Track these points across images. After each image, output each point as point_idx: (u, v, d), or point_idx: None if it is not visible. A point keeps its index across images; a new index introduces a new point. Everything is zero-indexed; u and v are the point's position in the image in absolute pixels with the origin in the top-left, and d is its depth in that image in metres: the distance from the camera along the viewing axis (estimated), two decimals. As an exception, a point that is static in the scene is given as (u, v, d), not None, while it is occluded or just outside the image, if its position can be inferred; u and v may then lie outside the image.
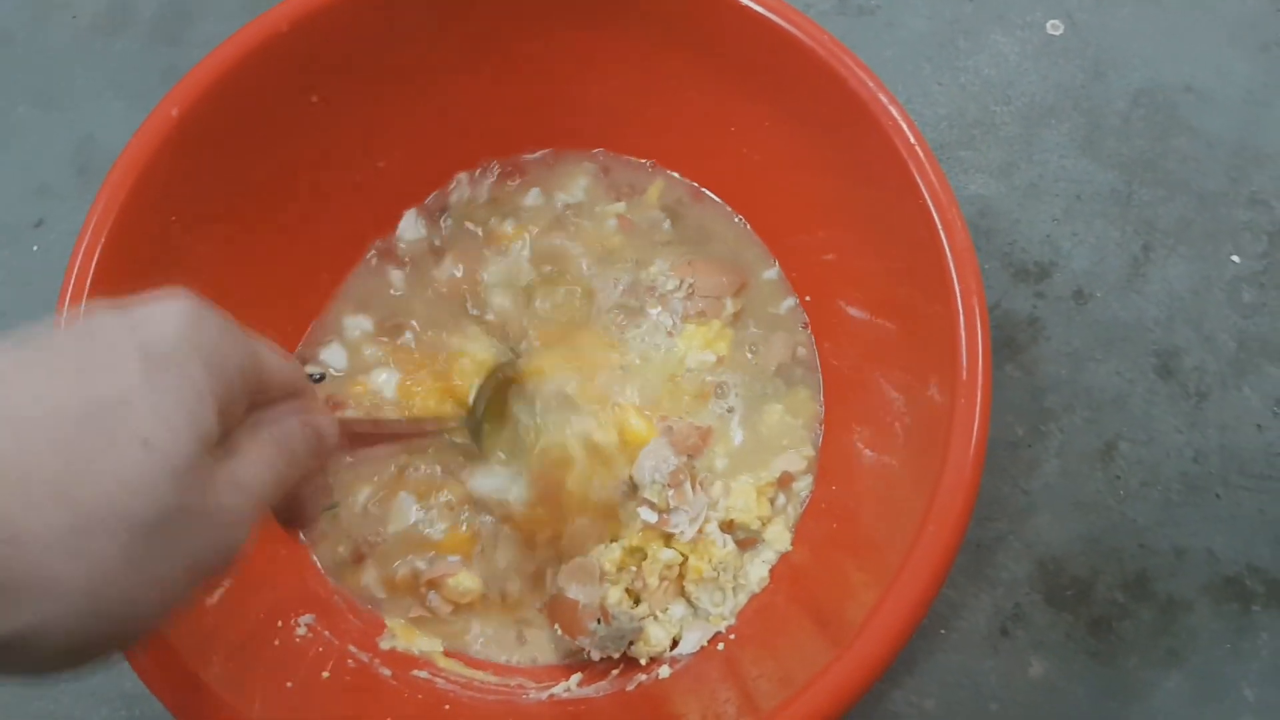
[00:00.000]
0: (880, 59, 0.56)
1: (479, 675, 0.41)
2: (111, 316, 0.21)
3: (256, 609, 0.37)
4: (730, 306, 0.46)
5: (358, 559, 0.42)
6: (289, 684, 0.35)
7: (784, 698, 0.30)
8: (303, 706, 0.34)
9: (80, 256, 0.34)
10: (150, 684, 0.30)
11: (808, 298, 0.46)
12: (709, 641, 0.41)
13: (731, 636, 0.40)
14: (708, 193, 0.49)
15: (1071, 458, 0.46)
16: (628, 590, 0.41)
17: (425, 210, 0.48)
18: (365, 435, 0.32)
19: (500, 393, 0.42)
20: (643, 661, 0.40)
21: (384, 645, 0.41)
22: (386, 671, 0.39)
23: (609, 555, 0.41)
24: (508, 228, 0.48)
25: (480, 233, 0.48)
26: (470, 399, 0.41)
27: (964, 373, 0.33)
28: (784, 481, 0.43)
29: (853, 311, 0.43)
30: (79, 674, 0.21)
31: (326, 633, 0.39)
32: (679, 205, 0.49)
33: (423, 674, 0.40)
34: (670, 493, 0.41)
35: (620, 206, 0.48)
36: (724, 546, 0.41)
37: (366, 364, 0.46)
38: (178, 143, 0.37)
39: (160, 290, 0.23)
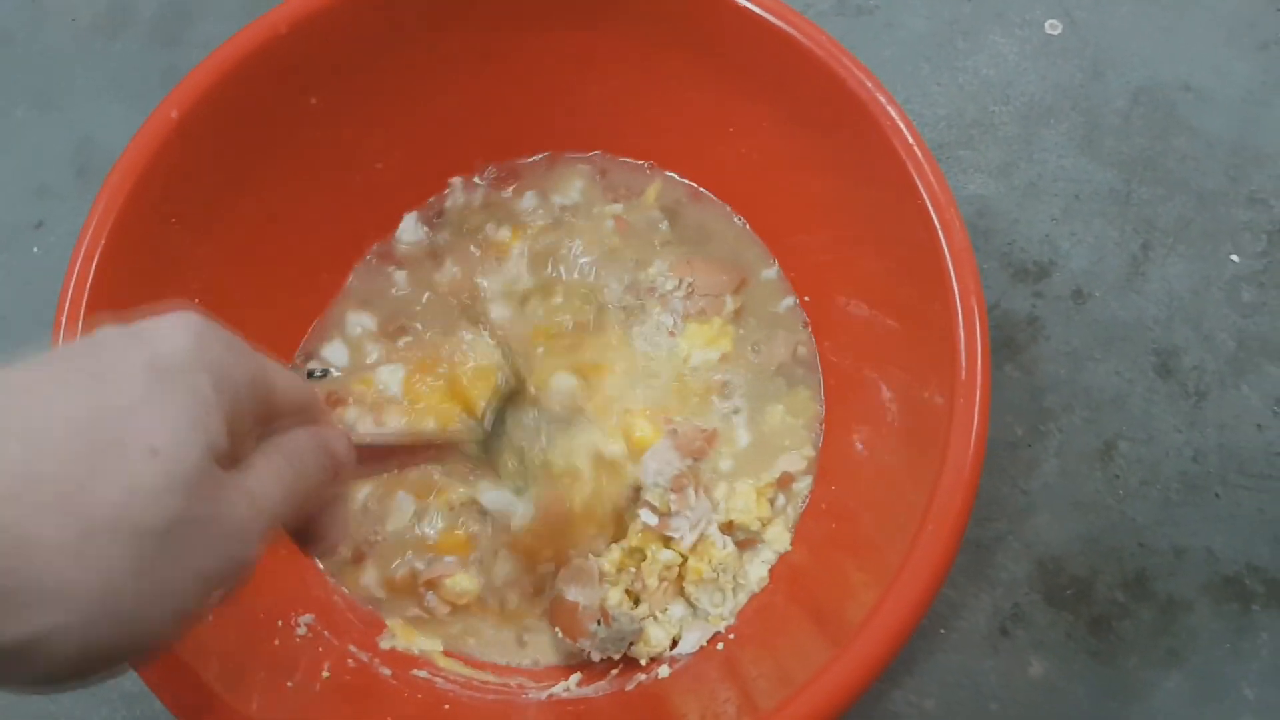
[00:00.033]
0: (879, 59, 0.56)
1: (479, 675, 0.41)
2: (118, 332, 0.22)
3: (257, 608, 0.37)
4: (730, 304, 0.46)
5: (358, 559, 0.42)
6: (289, 683, 0.35)
7: (783, 697, 0.30)
8: (302, 706, 0.35)
9: (80, 258, 0.35)
10: (150, 683, 0.30)
11: (807, 298, 0.46)
12: (708, 641, 0.41)
13: (731, 636, 0.40)
14: (707, 193, 0.49)
15: (1071, 457, 0.46)
16: (627, 591, 0.41)
17: (424, 214, 0.49)
18: (379, 455, 0.32)
19: (511, 408, 0.42)
20: (643, 662, 0.40)
21: (384, 645, 0.41)
22: (386, 671, 0.39)
23: (609, 557, 0.41)
24: (504, 235, 0.48)
25: (477, 238, 0.48)
26: (483, 417, 0.41)
27: (963, 372, 0.33)
28: (784, 482, 0.43)
29: (852, 311, 0.43)
30: (88, 684, 0.21)
31: (326, 632, 0.39)
32: (677, 205, 0.49)
33: (422, 673, 0.40)
34: (672, 497, 0.41)
35: (618, 208, 0.48)
36: (724, 548, 0.41)
37: (370, 361, 0.46)
38: (177, 144, 0.37)
39: (167, 307, 0.23)
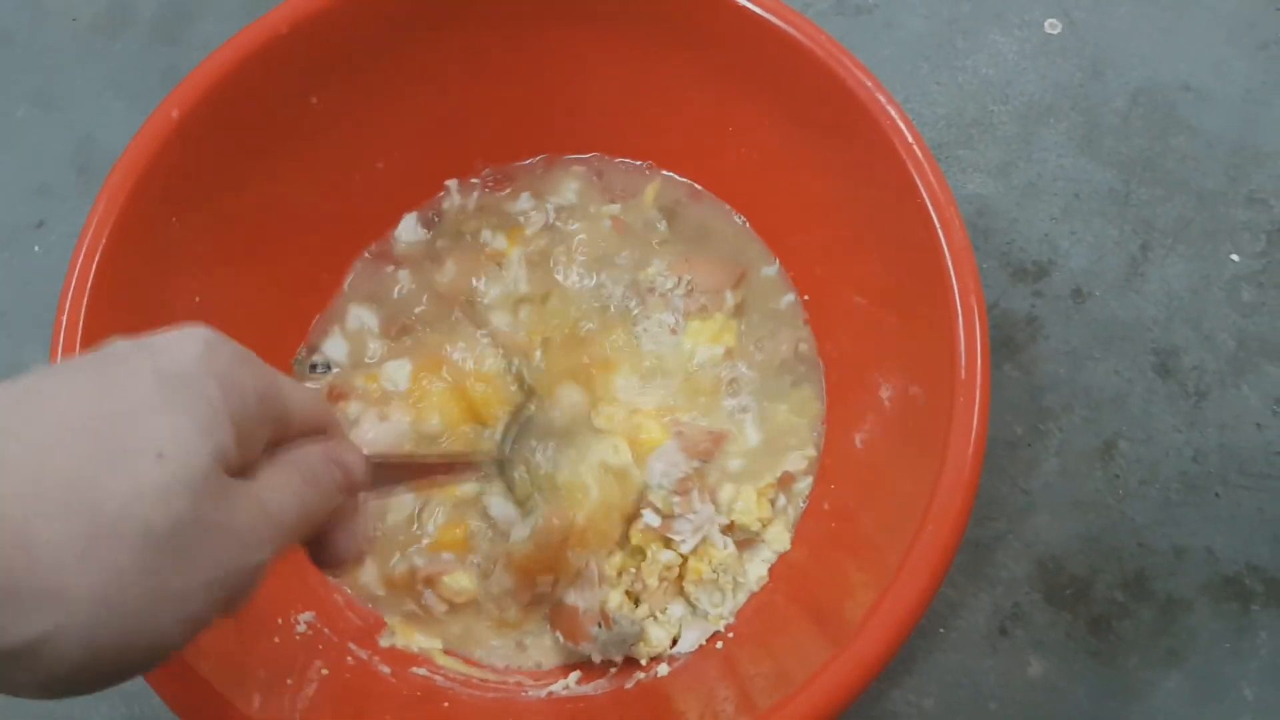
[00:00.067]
0: (878, 59, 0.56)
1: (478, 673, 0.41)
2: (128, 344, 0.22)
3: (256, 606, 0.36)
4: (731, 298, 0.46)
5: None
6: (288, 680, 0.35)
7: (782, 696, 0.30)
8: (302, 703, 0.34)
9: (81, 257, 0.35)
10: (150, 680, 0.30)
11: (807, 296, 0.46)
12: (707, 640, 0.41)
13: (730, 635, 0.41)
14: (706, 192, 0.49)
15: (1070, 457, 0.46)
16: (627, 592, 0.41)
17: (423, 215, 0.49)
18: (394, 472, 0.32)
19: (523, 428, 0.42)
20: (642, 661, 0.40)
21: (383, 643, 0.41)
22: (386, 669, 0.39)
23: (610, 561, 0.41)
24: (501, 242, 0.48)
25: (474, 243, 0.48)
26: (499, 436, 0.41)
27: (963, 372, 0.33)
28: (784, 482, 0.43)
29: (852, 310, 0.43)
30: (95, 690, 0.20)
31: (326, 630, 0.39)
32: (676, 205, 0.49)
33: (422, 671, 0.40)
34: (676, 499, 0.41)
35: (615, 208, 0.48)
36: (724, 548, 0.41)
37: (375, 356, 0.46)
38: (178, 143, 0.37)
39: (178, 324, 0.23)
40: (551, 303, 0.46)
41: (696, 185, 0.49)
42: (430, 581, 0.41)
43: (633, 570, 0.41)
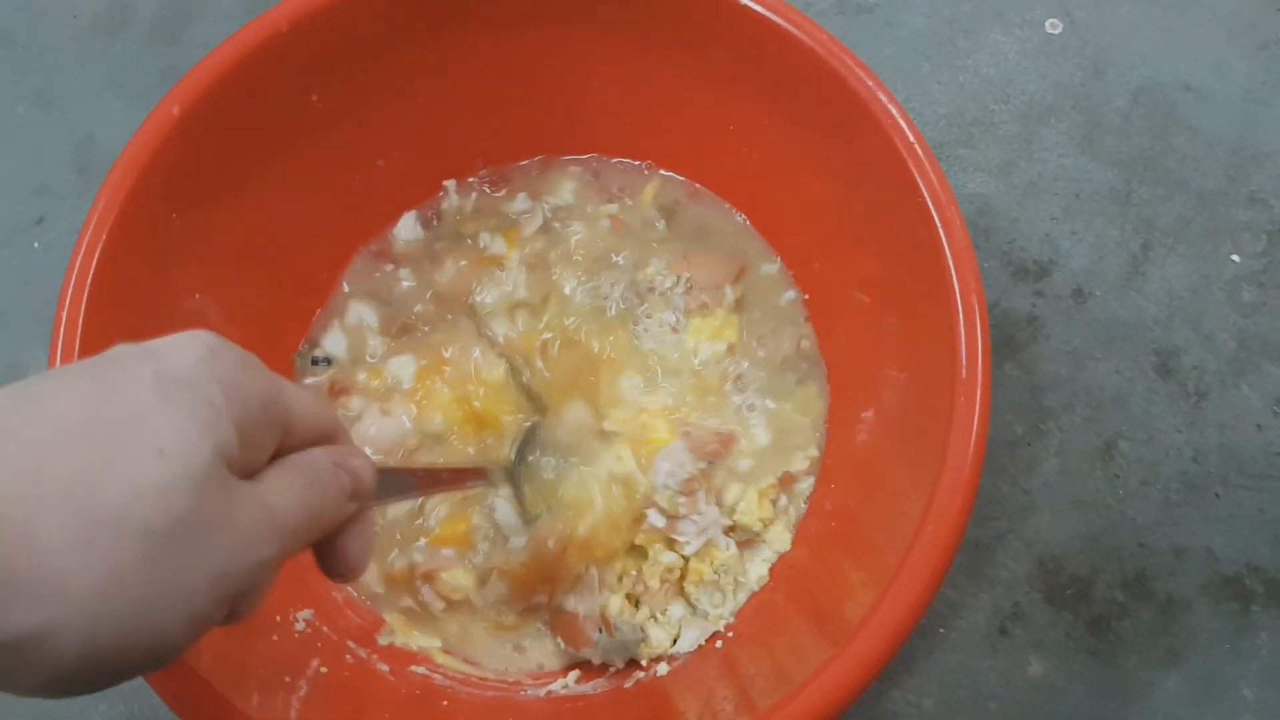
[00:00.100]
0: (879, 58, 0.56)
1: (477, 672, 0.41)
2: (129, 349, 0.22)
3: (255, 605, 0.37)
4: (731, 293, 0.46)
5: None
6: (287, 679, 0.35)
7: (782, 696, 0.30)
8: (300, 701, 0.34)
9: (81, 253, 0.35)
10: (149, 678, 0.30)
11: (808, 295, 0.46)
12: (707, 640, 0.41)
13: (730, 635, 0.40)
14: (706, 191, 0.49)
15: (1071, 457, 0.46)
16: (627, 595, 0.41)
17: (422, 214, 0.49)
18: (403, 481, 0.31)
19: (532, 440, 0.42)
20: (643, 662, 0.40)
21: (382, 641, 0.41)
22: (384, 667, 0.39)
23: (612, 566, 0.41)
24: (500, 245, 0.47)
25: (473, 246, 0.47)
26: (509, 453, 0.41)
27: (963, 371, 0.33)
28: (786, 482, 0.43)
29: (853, 309, 0.43)
30: (99, 689, 0.20)
31: (325, 628, 0.39)
32: (675, 205, 0.48)
33: (420, 670, 0.40)
34: (682, 500, 0.41)
35: (612, 208, 0.48)
36: (726, 549, 0.41)
37: (375, 353, 0.46)
38: (179, 141, 0.37)
39: (180, 330, 0.23)
40: (550, 307, 0.46)
41: (697, 185, 0.49)
42: (429, 577, 0.41)
43: (633, 572, 0.41)
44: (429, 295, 0.47)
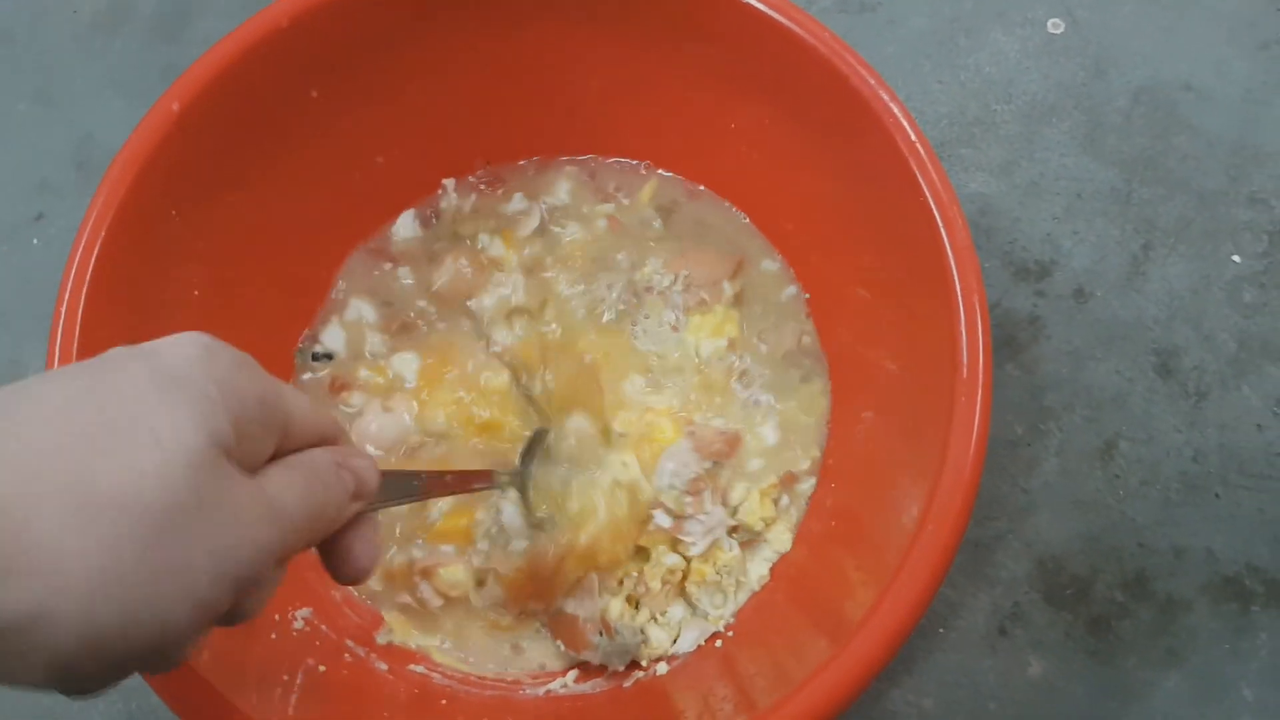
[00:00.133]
0: (881, 56, 0.56)
1: (475, 671, 0.41)
2: (125, 350, 0.22)
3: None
4: (729, 289, 0.46)
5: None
6: (285, 677, 0.35)
7: (781, 695, 0.30)
8: (299, 700, 0.34)
9: (80, 249, 0.34)
10: (148, 677, 0.30)
11: (809, 294, 0.46)
12: (706, 640, 0.40)
13: (729, 634, 0.40)
14: (706, 190, 0.49)
15: (1071, 457, 0.46)
16: (627, 597, 0.41)
17: (421, 212, 0.48)
18: (407, 486, 0.31)
19: (539, 445, 0.42)
20: (643, 662, 0.40)
21: (381, 640, 0.41)
22: (383, 666, 0.39)
23: (614, 571, 0.41)
24: (498, 248, 0.47)
25: (471, 248, 0.47)
26: (517, 462, 0.41)
27: (964, 371, 0.33)
28: (787, 482, 0.43)
29: (854, 308, 0.43)
30: (106, 680, 0.20)
31: (324, 627, 0.39)
32: (673, 204, 0.48)
33: (419, 669, 0.40)
34: (688, 499, 0.41)
35: (609, 208, 0.48)
36: (730, 550, 0.41)
37: (375, 350, 0.46)
38: (179, 137, 0.37)
39: (176, 331, 0.23)
40: (549, 312, 0.46)
41: (698, 185, 0.49)
42: (427, 574, 0.41)
43: (634, 574, 0.41)
44: (428, 295, 0.47)
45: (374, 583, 0.42)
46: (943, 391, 0.33)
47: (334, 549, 0.26)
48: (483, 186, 0.49)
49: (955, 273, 0.34)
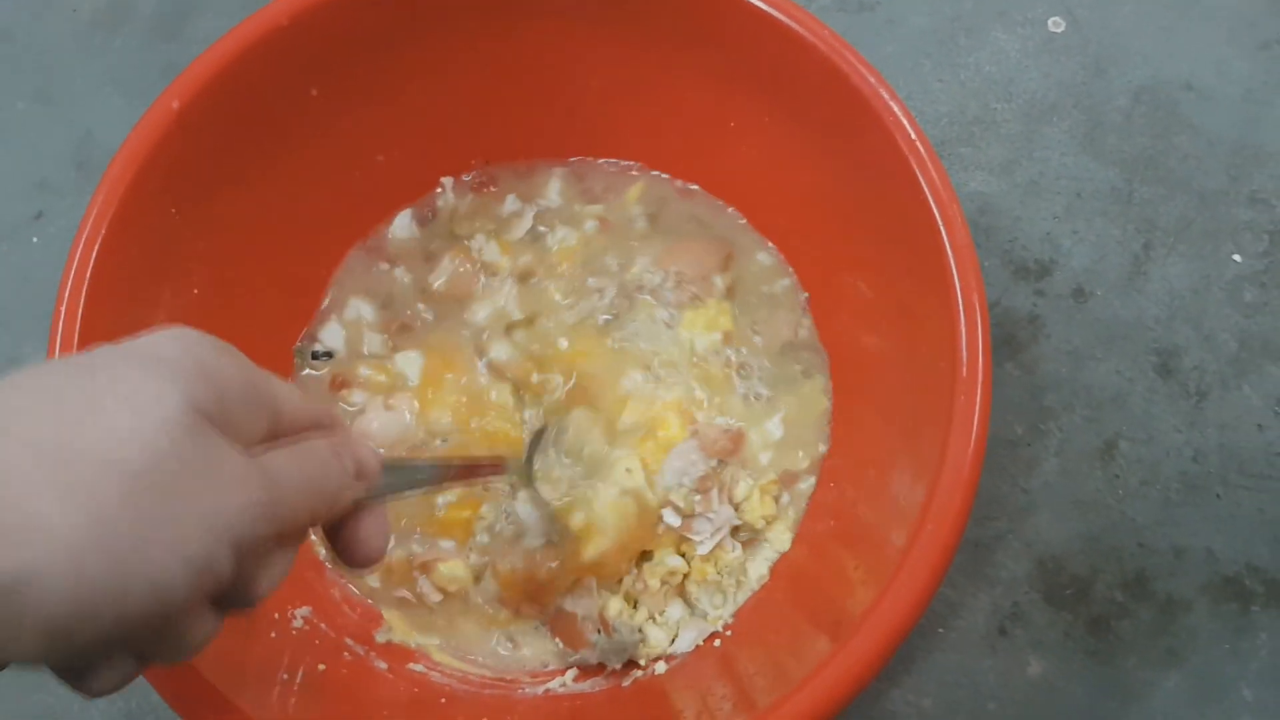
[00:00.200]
0: (881, 55, 0.56)
1: (475, 670, 0.41)
2: (108, 346, 0.22)
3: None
4: (720, 282, 0.46)
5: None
6: (284, 676, 0.35)
7: (780, 695, 0.30)
8: (298, 699, 0.34)
9: (80, 247, 0.34)
10: (147, 675, 0.30)
11: (809, 294, 0.46)
12: (705, 639, 0.40)
13: (728, 634, 0.40)
14: (698, 189, 0.48)
15: (1071, 456, 0.46)
16: (625, 595, 0.41)
17: (418, 212, 0.48)
18: (415, 476, 0.31)
19: (541, 442, 0.42)
20: (641, 661, 0.40)
21: (380, 638, 0.41)
22: (382, 665, 0.39)
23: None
24: (493, 251, 0.47)
25: (467, 249, 0.47)
26: (523, 458, 0.41)
27: (963, 370, 0.33)
28: (787, 480, 0.43)
29: (853, 308, 0.43)
30: (107, 652, 0.20)
31: (323, 625, 0.39)
32: (660, 204, 0.48)
33: (418, 667, 0.40)
34: (697, 498, 0.41)
35: (598, 209, 0.48)
36: (732, 550, 0.41)
37: (375, 349, 0.46)
38: (178, 135, 0.37)
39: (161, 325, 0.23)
40: (543, 321, 0.46)
41: (692, 185, 0.49)
42: (426, 569, 0.41)
43: (634, 571, 0.41)
44: (425, 296, 0.47)
45: (372, 578, 0.42)
46: (942, 391, 0.33)
47: (343, 535, 0.26)
48: (478, 186, 0.49)
49: (955, 272, 0.34)
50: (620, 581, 0.41)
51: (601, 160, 0.49)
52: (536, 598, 0.40)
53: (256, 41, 0.38)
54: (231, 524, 0.21)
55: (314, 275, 0.47)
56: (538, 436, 0.41)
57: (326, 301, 0.47)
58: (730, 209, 0.48)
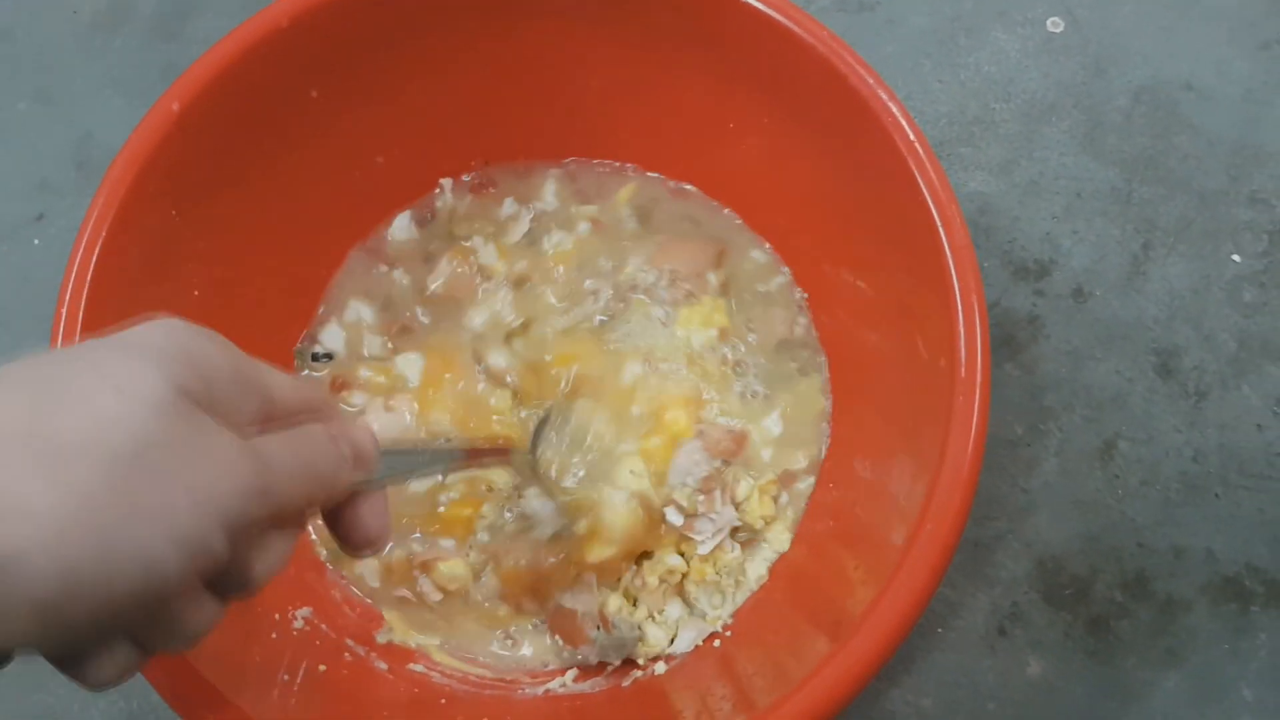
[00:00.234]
0: (880, 56, 0.56)
1: (475, 670, 0.41)
2: (92, 339, 0.22)
3: (253, 602, 0.36)
4: (714, 279, 0.46)
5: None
6: (285, 676, 0.35)
7: (780, 695, 0.30)
8: (298, 699, 0.34)
9: (81, 249, 0.35)
10: (147, 675, 0.30)
11: (807, 294, 0.46)
12: (705, 640, 0.41)
13: (728, 634, 0.40)
14: (692, 189, 0.48)
15: (1070, 456, 0.46)
16: (625, 591, 0.41)
17: (417, 213, 0.48)
18: (416, 460, 0.31)
19: (545, 431, 0.42)
20: (640, 661, 0.40)
21: (381, 639, 0.41)
22: (383, 665, 0.39)
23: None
24: (491, 253, 0.47)
25: (465, 251, 0.47)
26: (528, 447, 0.41)
27: (962, 370, 0.33)
28: (786, 480, 0.43)
29: (851, 308, 0.43)
30: (104, 634, 0.20)
31: (323, 626, 0.39)
32: (652, 203, 0.48)
33: (419, 668, 0.40)
34: (700, 498, 0.41)
35: (592, 210, 0.48)
36: (731, 551, 0.41)
37: (374, 350, 0.46)
38: (179, 137, 0.37)
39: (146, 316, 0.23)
40: (540, 325, 0.45)
41: (687, 186, 0.48)
42: (426, 568, 0.41)
43: (633, 569, 0.41)
44: (423, 298, 0.47)
45: (372, 578, 0.42)
46: (941, 391, 0.33)
47: (343, 519, 0.26)
48: (478, 187, 0.49)
49: (954, 272, 0.34)
50: (619, 579, 0.41)
51: (595, 161, 0.49)
52: (537, 592, 0.40)
53: (257, 43, 0.38)
54: (221, 502, 0.20)
55: (314, 276, 0.47)
56: (542, 423, 0.41)
57: (327, 303, 0.47)
58: (726, 210, 0.48)
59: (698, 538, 0.41)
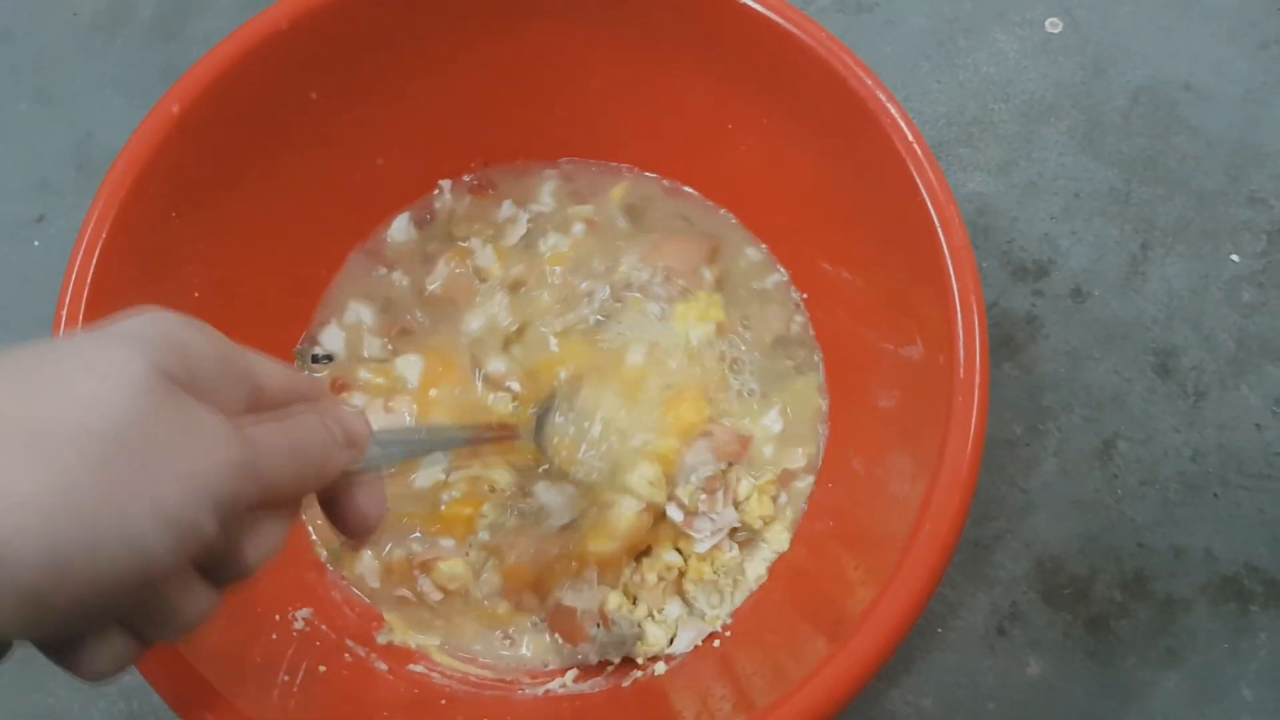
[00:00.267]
0: (879, 56, 0.56)
1: (475, 670, 0.41)
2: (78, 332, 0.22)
3: (253, 602, 0.37)
4: (709, 274, 0.46)
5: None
6: (285, 677, 0.35)
7: (779, 695, 0.30)
8: (299, 700, 0.35)
9: (81, 251, 0.35)
10: (147, 675, 0.30)
11: (806, 294, 0.46)
12: (704, 640, 0.41)
13: (727, 634, 0.40)
14: (690, 189, 0.48)
15: (1070, 457, 0.46)
16: (625, 589, 0.41)
17: (416, 215, 0.48)
18: (414, 444, 0.31)
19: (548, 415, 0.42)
20: (640, 661, 0.40)
21: (381, 640, 0.41)
22: (383, 666, 0.39)
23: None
24: (489, 255, 0.47)
25: (464, 249, 0.47)
26: (533, 423, 0.41)
27: (961, 370, 0.33)
28: (785, 480, 0.43)
29: (850, 308, 0.43)
30: (94, 620, 0.20)
31: (324, 627, 0.39)
32: (646, 201, 0.48)
33: (419, 669, 0.40)
34: (703, 496, 0.41)
35: (587, 209, 0.48)
36: (729, 551, 0.41)
37: (374, 352, 0.46)
38: (179, 139, 0.37)
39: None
40: (537, 328, 0.45)
41: (685, 187, 0.49)
42: (426, 568, 0.41)
43: (632, 564, 0.41)
44: (422, 300, 0.47)
45: (372, 579, 0.42)
46: (940, 391, 0.33)
47: (339, 504, 0.26)
48: (477, 188, 0.49)
49: (952, 273, 0.34)
50: (619, 576, 0.41)
51: (591, 161, 0.49)
52: (538, 587, 0.40)
53: (256, 45, 0.38)
54: (208, 481, 0.20)
55: (314, 277, 0.47)
56: (546, 407, 0.41)
57: (327, 304, 0.47)
58: (722, 210, 0.48)
59: (696, 535, 0.41)
